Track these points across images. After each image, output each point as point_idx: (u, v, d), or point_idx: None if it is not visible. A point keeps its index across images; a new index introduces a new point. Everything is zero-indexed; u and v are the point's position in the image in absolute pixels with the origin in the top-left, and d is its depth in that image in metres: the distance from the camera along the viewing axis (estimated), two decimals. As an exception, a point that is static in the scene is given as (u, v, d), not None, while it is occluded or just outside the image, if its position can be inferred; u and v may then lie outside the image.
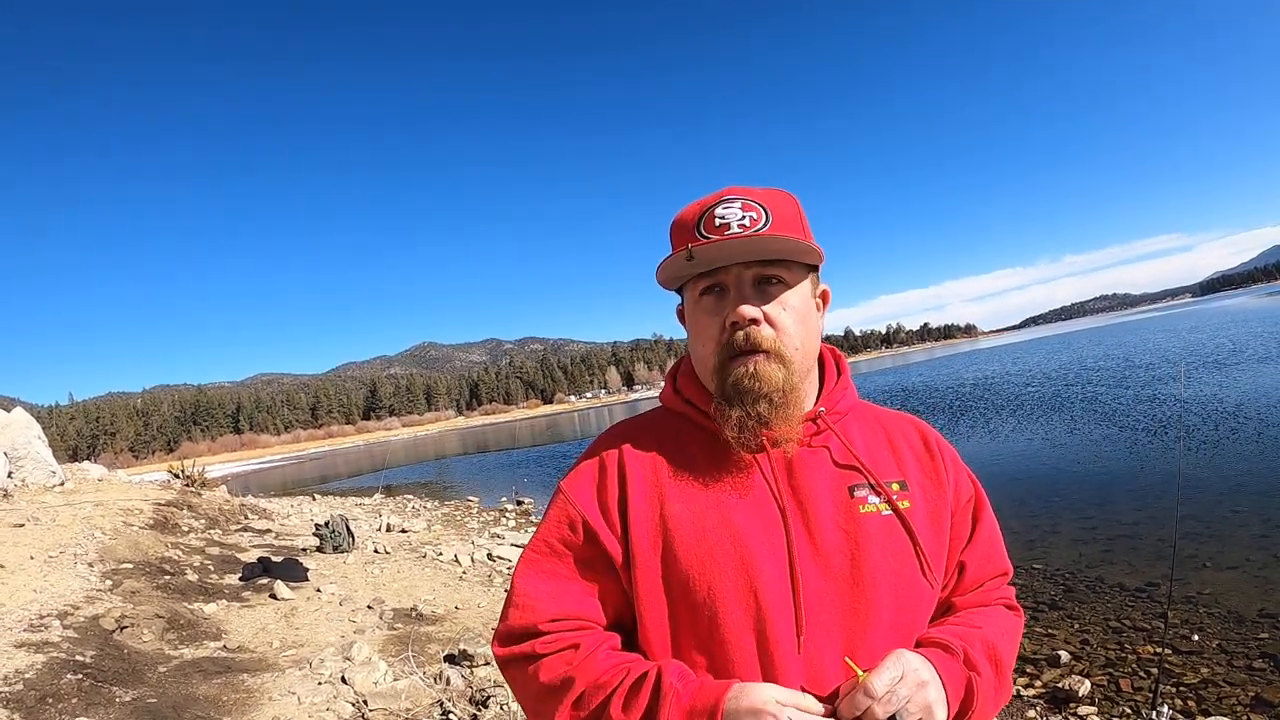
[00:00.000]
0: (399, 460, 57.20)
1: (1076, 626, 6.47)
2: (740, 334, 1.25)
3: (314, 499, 23.63)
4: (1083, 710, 5.11)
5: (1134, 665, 5.67)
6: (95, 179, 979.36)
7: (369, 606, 7.52)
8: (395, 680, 5.42)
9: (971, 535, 1.39)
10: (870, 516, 1.26)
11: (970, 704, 1.18)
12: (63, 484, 12.53)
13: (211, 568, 9.07)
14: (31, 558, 7.78)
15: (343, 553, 10.49)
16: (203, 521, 12.24)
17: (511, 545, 11.68)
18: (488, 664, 5.67)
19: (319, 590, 8.19)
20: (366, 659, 5.77)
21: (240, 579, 8.62)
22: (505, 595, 1.35)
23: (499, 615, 1.38)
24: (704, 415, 1.33)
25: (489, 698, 4.98)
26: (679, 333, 1.40)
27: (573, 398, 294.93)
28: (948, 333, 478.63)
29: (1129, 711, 5.05)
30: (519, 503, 19.50)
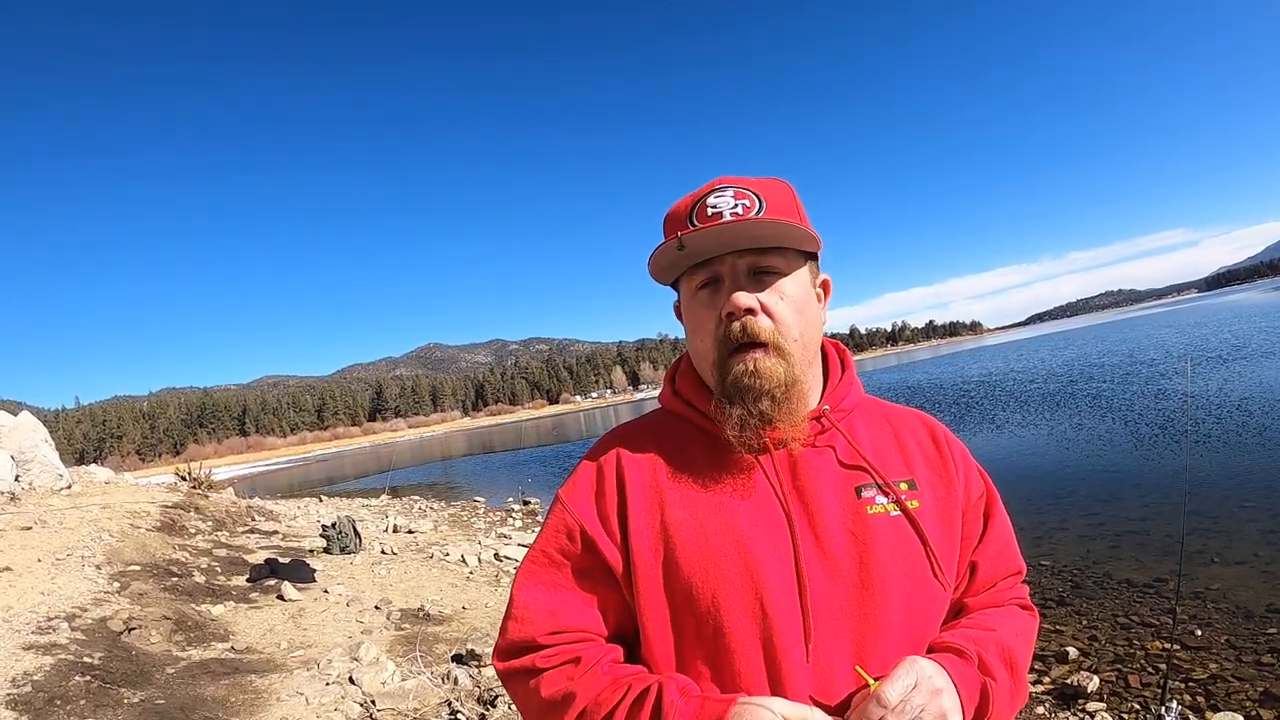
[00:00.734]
0: (405, 461, 57.27)
1: (1084, 623, 6.45)
2: (736, 325, 1.20)
3: (321, 500, 23.69)
4: (1091, 706, 5.09)
5: (1142, 661, 5.65)
6: (98, 181, 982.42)
7: (376, 607, 7.54)
8: (403, 680, 5.43)
9: (984, 534, 1.35)
10: (878, 517, 1.21)
11: (986, 710, 1.14)
12: (69, 487, 12.57)
13: (219, 569, 9.10)
14: (39, 560, 7.81)
15: (350, 554, 10.51)
16: (210, 523, 12.28)
17: (518, 545, 11.68)
18: (495, 663, 5.67)
19: (326, 591, 8.21)
20: (374, 659, 5.78)
21: (248, 580, 8.64)
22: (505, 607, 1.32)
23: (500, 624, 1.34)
24: (704, 416, 1.29)
25: (497, 697, 4.99)
26: (683, 332, 1.36)
27: (578, 398, 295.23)
28: (953, 330, 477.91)
29: (1138, 707, 5.03)
30: (525, 503, 19.50)
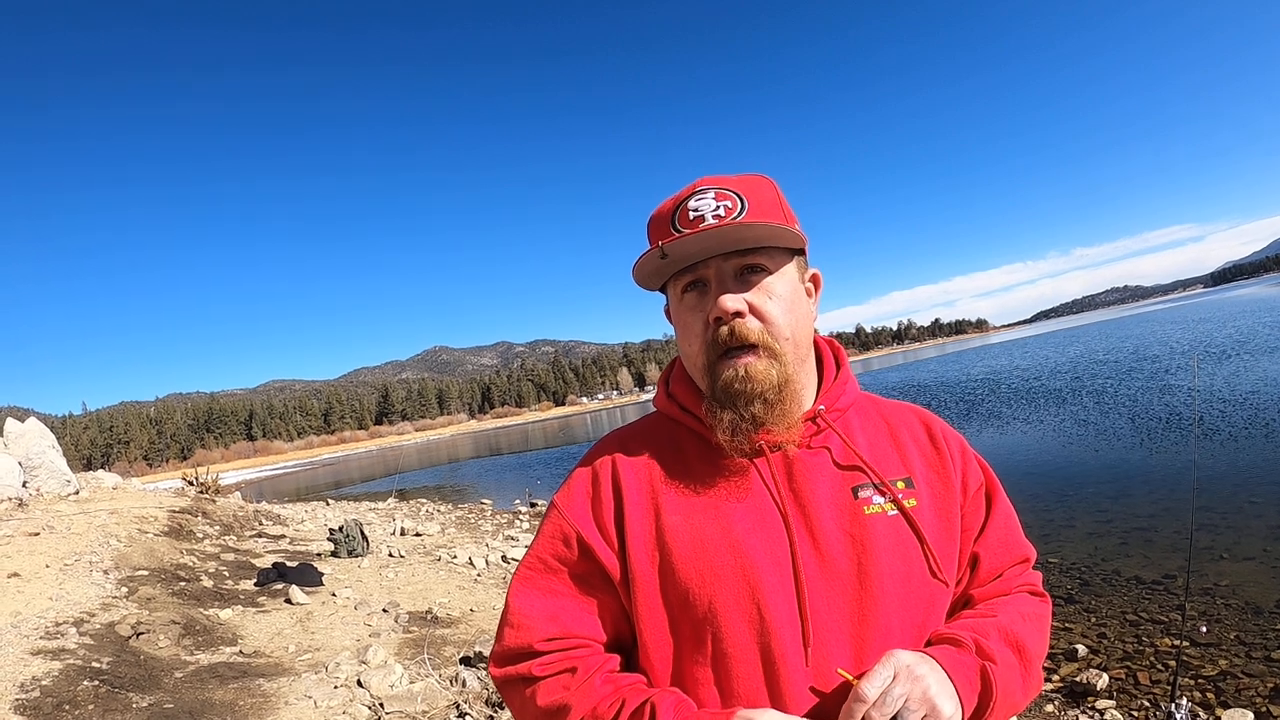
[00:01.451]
0: (412, 464, 57.31)
1: (1094, 620, 6.44)
2: (725, 329, 1.20)
3: (328, 504, 23.71)
4: (1101, 704, 5.07)
5: (1152, 658, 5.63)
6: (104, 188, 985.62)
7: (384, 610, 7.54)
8: (411, 683, 5.44)
9: (985, 523, 1.33)
10: (876, 518, 1.20)
11: (990, 694, 1.11)
12: (77, 493, 12.61)
13: (226, 573, 9.11)
14: (47, 566, 7.83)
15: (357, 557, 10.52)
16: (217, 528, 12.30)
17: (525, 548, 11.65)
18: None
19: (334, 594, 8.22)
20: (382, 662, 5.78)
21: (255, 584, 8.65)
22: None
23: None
24: (698, 420, 1.28)
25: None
26: (683, 334, 1.32)
27: (585, 399, 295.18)
28: (959, 328, 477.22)
29: (1147, 704, 5.01)
30: (532, 505, 19.52)
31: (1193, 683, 5.13)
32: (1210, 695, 4.96)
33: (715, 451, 1.25)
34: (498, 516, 17.95)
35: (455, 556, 11.03)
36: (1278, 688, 4.89)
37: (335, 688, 5.32)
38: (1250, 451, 11.00)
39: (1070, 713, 5.05)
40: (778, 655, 1.12)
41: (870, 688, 1.04)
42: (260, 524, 14.22)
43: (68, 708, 4.68)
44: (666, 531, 1.21)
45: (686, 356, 1.30)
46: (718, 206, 1.21)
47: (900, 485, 1.24)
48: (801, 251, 1.31)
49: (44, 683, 4.95)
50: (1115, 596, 6.84)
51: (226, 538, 11.85)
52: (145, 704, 4.88)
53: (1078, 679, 5.36)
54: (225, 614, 7.29)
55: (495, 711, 4.91)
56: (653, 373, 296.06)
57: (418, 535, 13.96)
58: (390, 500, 23.29)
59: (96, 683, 5.07)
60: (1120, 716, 4.91)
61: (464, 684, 5.36)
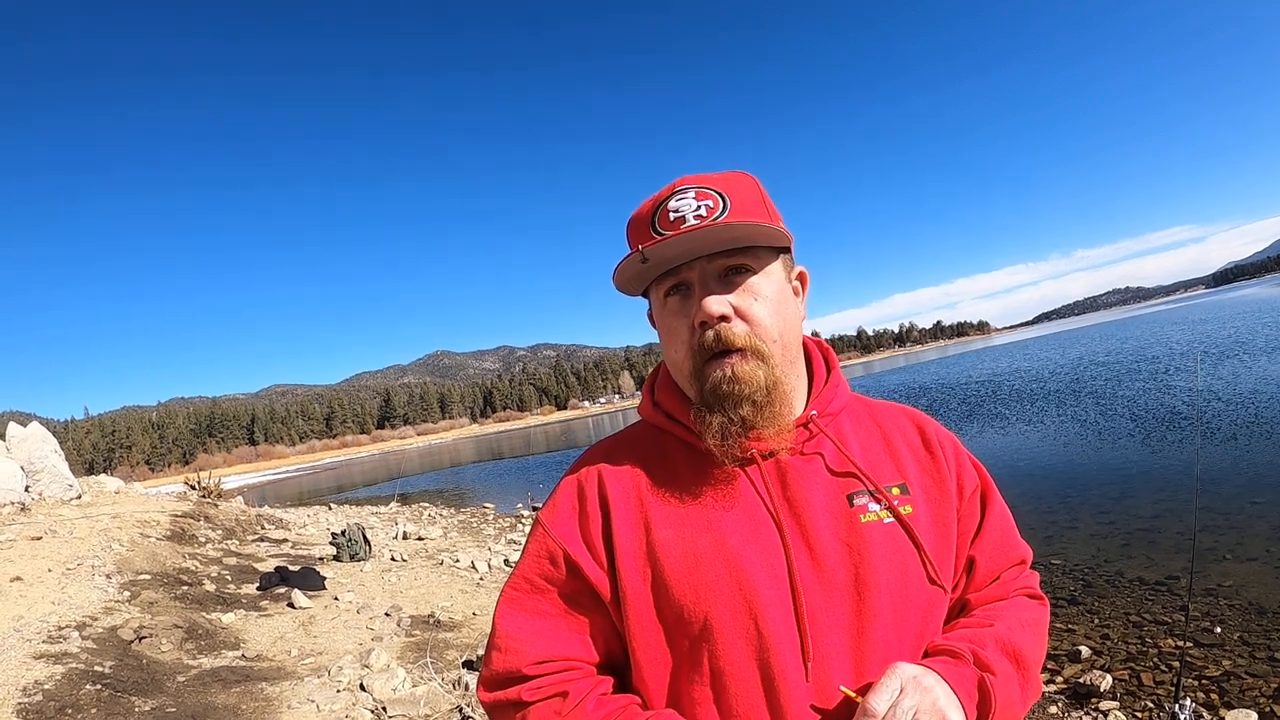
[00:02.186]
0: (414, 468, 57.37)
1: (1097, 621, 6.43)
2: (710, 333, 1.15)
3: (330, 508, 23.71)
4: (1105, 705, 5.07)
5: (1155, 659, 5.63)
6: (106, 193, 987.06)
7: (386, 614, 7.54)
8: (414, 687, 5.43)
9: (981, 526, 1.29)
10: (872, 526, 1.16)
11: (989, 706, 1.08)
12: (79, 497, 12.61)
13: (229, 578, 9.11)
14: (50, 570, 7.83)
15: (360, 561, 10.52)
16: (219, 532, 12.30)
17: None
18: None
19: (336, 599, 8.21)
20: (385, 666, 5.78)
21: (258, 588, 8.66)
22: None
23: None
24: (686, 428, 1.24)
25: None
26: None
27: (587, 403, 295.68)
28: (961, 330, 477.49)
29: (1151, 705, 5.01)
30: (534, 508, 19.48)
31: (1196, 683, 5.12)
32: (1214, 696, 4.95)
33: (705, 460, 1.21)
34: (500, 520, 17.97)
35: (458, 560, 11.04)
36: (1282, 688, 4.89)
37: (338, 691, 5.32)
38: (1253, 452, 10.98)
39: (1074, 714, 5.04)
40: (777, 672, 1.09)
41: (879, 702, 1.02)
42: (262, 528, 14.22)
43: (70, 712, 4.68)
44: (657, 546, 1.16)
45: (672, 363, 1.26)
46: (699, 206, 1.16)
47: (895, 491, 1.21)
48: (787, 250, 1.26)
49: (47, 687, 4.95)
50: (1118, 598, 6.84)
51: (229, 542, 11.85)
52: (148, 708, 4.88)
53: (1081, 680, 5.35)
54: (228, 618, 7.29)
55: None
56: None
57: (420, 539, 13.98)
58: (392, 504, 23.30)
59: (99, 687, 5.07)
60: (1124, 717, 4.91)
61: (467, 687, 5.36)
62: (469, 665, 5.86)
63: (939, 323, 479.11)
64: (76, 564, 8.12)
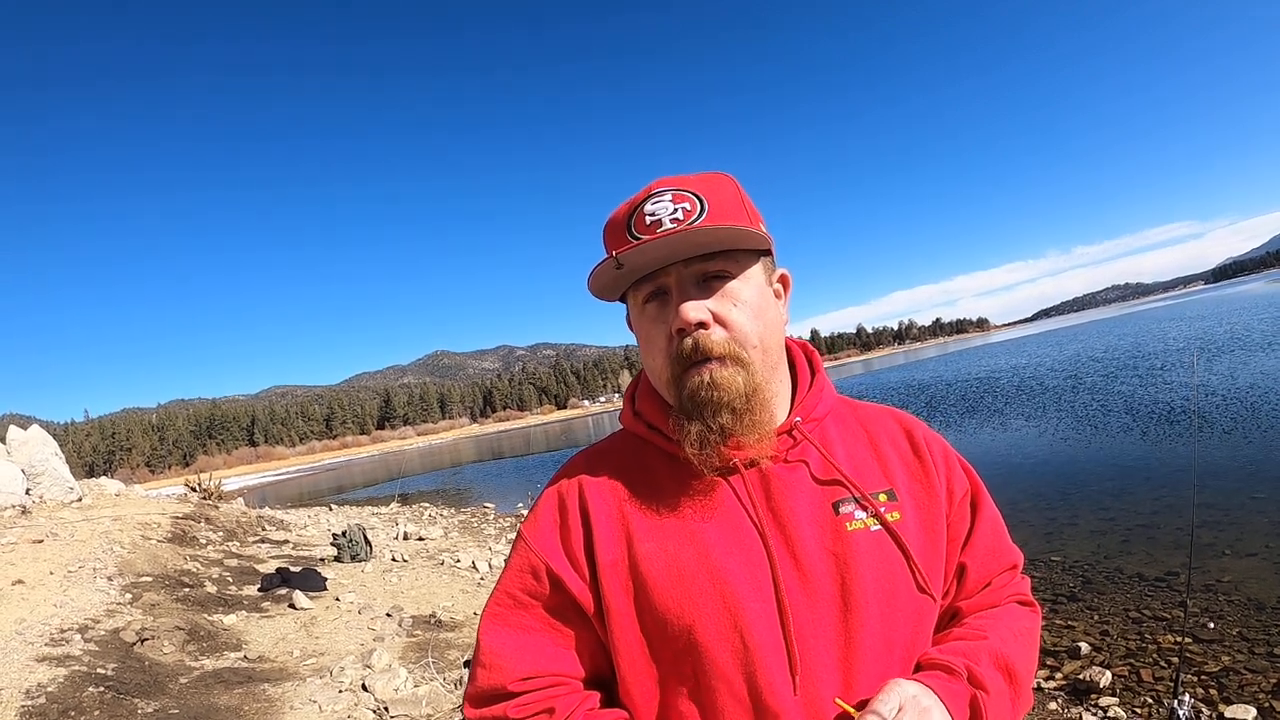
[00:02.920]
0: (415, 469, 57.30)
1: (1096, 618, 6.45)
2: (688, 341, 1.11)
3: (330, 509, 23.71)
4: (1104, 701, 5.08)
5: (1155, 655, 5.64)
6: (105, 195, 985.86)
7: (388, 614, 7.55)
8: (416, 687, 5.45)
9: (971, 531, 1.27)
10: (858, 534, 1.13)
11: None
12: (80, 500, 12.62)
13: (230, 579, 9.12)
14: (51, 573, 7.84)
15: (360, 562, 10.53)
16: (220, 534, 12.31)
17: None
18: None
19: (338, 599, 8.22)
20: (387, 666, 5.80)
21: (259, 590, 8.66)
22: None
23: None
24: (667, 438, 1.19)
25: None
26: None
27: (587, 402, 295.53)
28: (960, 327, 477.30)
29: (1150, 701, 5.02)
30: (534, 508, 19.51)
31: (1196, 679, 5.13)
32: (1213, 691, 4.96)
33: (687, 470, 1.17)
34: (500, 520, 17.98)
35: (458, 560, 11.05)
36: (1280, 683, 4.90)
37: (340, 692, 5.33)
38: (1251, 448, 11.00)
39: (1074, 710, 5.06)
40: (764, 685, 1.05)
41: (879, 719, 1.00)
42: (263, 529, 14.24)
43: (73, 714, 4.69)
44: (640, 559, 1.13)
45: (651, 370, 1.22)
46: (675, 209, 1.12)
47: (882, 498, 1.18)
48: (768, 252, 1.23)
49: (49, 689, 4.97)
50: (1117, 594, 6.85)
51: (230, 543, 11.86)
52: (150, 710, 4.90)
53: (1081, 677, 5.37)
54: (229, 619, 7.30)
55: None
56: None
57: (420, 539, 13.99)
58: (393, 505, 23.30)
59: (101, 689, 5.09)
60: (1123, 713, 4.93)
61: (468, 687, 5.37)
62: (470, 665, 5.87)
63: (938, 320, 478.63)
64: (78, 566, 8.13)
